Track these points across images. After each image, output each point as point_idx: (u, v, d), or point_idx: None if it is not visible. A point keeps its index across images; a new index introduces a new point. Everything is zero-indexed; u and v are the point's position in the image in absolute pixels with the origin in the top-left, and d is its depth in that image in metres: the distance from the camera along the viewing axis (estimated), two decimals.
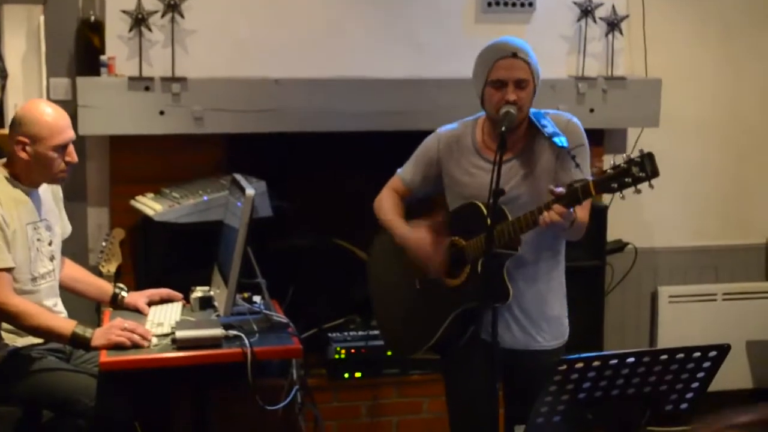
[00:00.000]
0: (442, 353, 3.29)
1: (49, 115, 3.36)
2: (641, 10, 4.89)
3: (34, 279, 3.40)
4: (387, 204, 3.31)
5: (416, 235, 3.17)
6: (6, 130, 4.44)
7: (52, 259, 3.50)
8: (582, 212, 2.94)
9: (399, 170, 3.35)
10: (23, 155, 3.33)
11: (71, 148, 3.41)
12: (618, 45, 4.76)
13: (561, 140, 2.98)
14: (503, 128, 2.88)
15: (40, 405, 3.38)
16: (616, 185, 2.70)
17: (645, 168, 2.65)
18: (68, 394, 3.27)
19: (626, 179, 2.68)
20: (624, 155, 2.71)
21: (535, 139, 3.09)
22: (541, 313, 3.17)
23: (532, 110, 3.11)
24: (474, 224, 3.01)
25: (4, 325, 3.37)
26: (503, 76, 3.00)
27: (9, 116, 4.96)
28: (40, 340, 3.42)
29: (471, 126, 3.21)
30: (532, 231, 2.93)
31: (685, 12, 5.09)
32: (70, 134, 3.41)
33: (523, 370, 3.11)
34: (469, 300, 3.07)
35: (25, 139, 3.32)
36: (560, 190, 2.80)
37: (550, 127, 3.03)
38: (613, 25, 4.71)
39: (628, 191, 2.69)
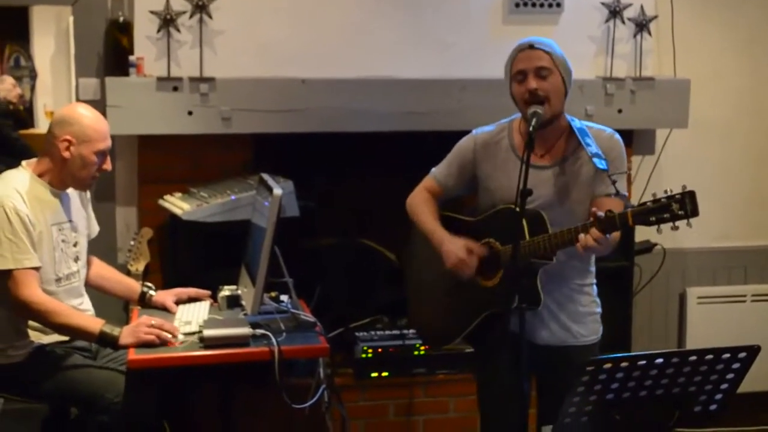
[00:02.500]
0: (474, 344, 3.32)
1: (97, 120, 3.42)
2: (670, 10, 4.86)
3: (58, 279, 3.42)
4: (422, 206, 3.29)
5: (453, 245, 3.15)
6: (37, 130, 4.47)
7: (76, 260, 3.52)
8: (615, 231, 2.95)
9: (433, 170, 3.34)
10: (66, 154, 3.36)
11: (108, 157, 3.46)
12: (646, 46, 4.73)
13: (602, 162, 2.98)
14: (531, 128, 2.89)
15: (64, 401, 3.40)
16: (654, 219, 2.71)
17: (685, 206, 2.67)
18: (91, 389, 3.29)
19: (665, 215, 2.69)
20: (665, 190, 2.71)
21: (576, 150, 3.09)
22: (578, 310, 3.18)
23: (577, 124, 3.11)
24: (511, 229, 2.99)
25: (30, 322, 3.40)
26: (522, 67, 3.03)
27: (38, 116, 5.00)
28: (65, 338, 3.44)
29: (507, 128, 3.21)
30: None
31: (713, 13, 5.07)
32: (110, 142, 3.47)
33: (558, 366, 3.11)
34: (500, 303, 3.07)
35: (72, 139, 3.36)
36: (600, 214, 2.81)
37: (593, 147, 3.03)
38: (642, 25, 4.69)
39: (666, 225, 2.69)
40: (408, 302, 3.50)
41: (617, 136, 3.14)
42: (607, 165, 2.99)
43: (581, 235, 2.83)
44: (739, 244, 5.24)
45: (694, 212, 2.67)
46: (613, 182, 2.98)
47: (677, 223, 2.70)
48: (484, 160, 3.19)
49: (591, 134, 3.09)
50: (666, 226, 2.71)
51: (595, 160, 2.97)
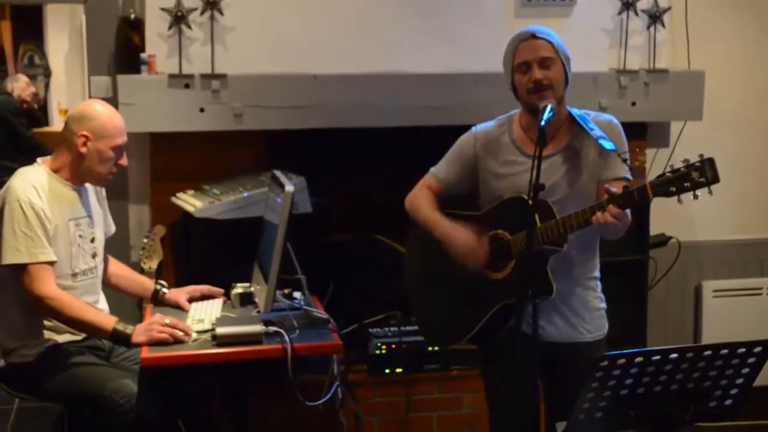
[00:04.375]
0: (480, 344, 3.29)
1: (114, 116, 3.45)
2: (683, 1, 4.84)
3: (74, 275, 3.43)
4: (423, 202, 3.28)
5: (459, 233, 3.15)
6: (51, 128, 4.47)
7: (94, 256, 3.52)
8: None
9: (432, 169, 3.33)
10: (83, 150, 3.37)
11: (125, 153, 3.48)
12: (660, 37, 4.70)
13: (609, 143, 2.97)
14: (542, 122, 2.87)
15: (73, 401, 3.40)
16: (674, 189, 2.69)
17: (705, 173, 2.64)
18: (99, 391, 3.29)
19: (685, 184, 2.67)
20: (683, 159, 2.69)
21: (579, 136, 3.09)
22: (583, 306, 3.17)
23: (576, 112, 3.11)
24: (520, 218, 2.99)
25: (45, 322, 3.40)
26: (526, 58, 3.03)
27: (53, 114, 5.03)
28: (78, 337, 3.45)
29: (507, 123, 3.21)
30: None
31: (727, 4, 5.04)
32: (126, 138, 3.48)
33: (566, 363, 3.10)
34: (512, 294, 3.06)
35: (89, 134, 3.37)
36: (615, 190, 2.78)
37: (597, 130, 3.03)
38: (655, 17, 4.66)
39: (686, 196, 2.67)
40: (411, 303, 3.48)
41: (615, 120, 3.14)
42: (614, 145, 2.98)
43: (598, 213, 2.81)
44: (755, 236, 5.21)
45: (715, 179, 2.65)
46: (624, 160, 2.97)
47: (698, 192, 2.67)
48: (486, 155, 3.18)
49: (592, 120, 3.09)
50: (686, 197, 2.68)
51: (602, 141, 2.97)
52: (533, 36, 3.04)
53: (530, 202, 2.86)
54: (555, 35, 3.08)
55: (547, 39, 3.04)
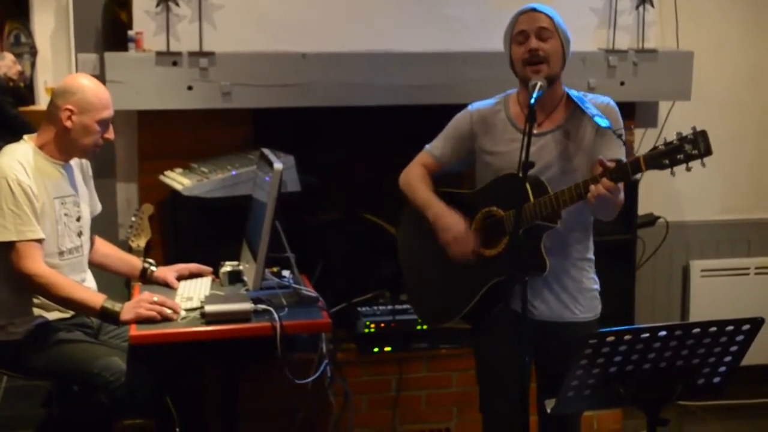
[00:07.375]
0: (472, 323, 3.29)
1: (99, 89, 3.44)
2: None
3: (60, 253, 3.42)
4: (416, 180, 3.29)
5: (451, 218, 3.15)
6: (37, 107, 4.46)
7: (80, 234, 3.51)
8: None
9: (427, 146, 3.34)
10: (68, 124, 3.36)
11: (111, 126, 3.46)
12: (649, 17, 4.69)
13: (603, 120, 2.99)
14: (532, 99, 2.87)
15: (63, 379, 3.40)
16: (667, 161, 2.71)
17: (698, 146, 2.67)
18: (89, 368, 3.29)
19: (678, 156, 2.69)
20: (677, 133, 2.70)
21: (575, 116, 3.10)
22: (576, 286, 3.18)
23: (574, 93, 3.12)
24: (513, 195, 3.00)
25: (34, 300, 3.39)
26: (524, 27, 3.06)
27: (39, 92, 4.99)
28: (66, 315, 3.44)
29: (504, 101, 3.22)
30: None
31: None
32: (112, 112, 3.47)
33: (556, 342, 3.11)
34: (505, 270, 3.05)
35: (74, 108, 3.36)
36: (610, 164, 2.79)
37: (592, 109, 3.05)
38: None
39: (679, 168, 2.68)
40: (404, 280, 3.48)
41: (613, 103, 3.15)
42: (609, 123, 2.98)
43: (592, 186, 2.83)
44: (743, 216, 5.22)
45: (708, 151, 2.67)
46: (618, 136, 2.98)
47: (691, 164, 2.69)
48: (482, 133, 3.20)
49: (589, 101, 3.11)
50: (679, 169, 2.70)
51: (597, 119, 2.99)
52: (534, 9, 3.07)
53: (521, 175, 2.87)
54: (557, 15, 3.10)
55: (547, 14, 3.07)
